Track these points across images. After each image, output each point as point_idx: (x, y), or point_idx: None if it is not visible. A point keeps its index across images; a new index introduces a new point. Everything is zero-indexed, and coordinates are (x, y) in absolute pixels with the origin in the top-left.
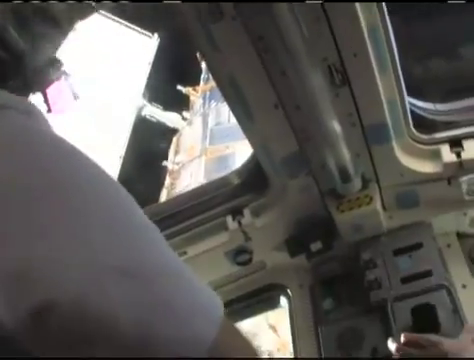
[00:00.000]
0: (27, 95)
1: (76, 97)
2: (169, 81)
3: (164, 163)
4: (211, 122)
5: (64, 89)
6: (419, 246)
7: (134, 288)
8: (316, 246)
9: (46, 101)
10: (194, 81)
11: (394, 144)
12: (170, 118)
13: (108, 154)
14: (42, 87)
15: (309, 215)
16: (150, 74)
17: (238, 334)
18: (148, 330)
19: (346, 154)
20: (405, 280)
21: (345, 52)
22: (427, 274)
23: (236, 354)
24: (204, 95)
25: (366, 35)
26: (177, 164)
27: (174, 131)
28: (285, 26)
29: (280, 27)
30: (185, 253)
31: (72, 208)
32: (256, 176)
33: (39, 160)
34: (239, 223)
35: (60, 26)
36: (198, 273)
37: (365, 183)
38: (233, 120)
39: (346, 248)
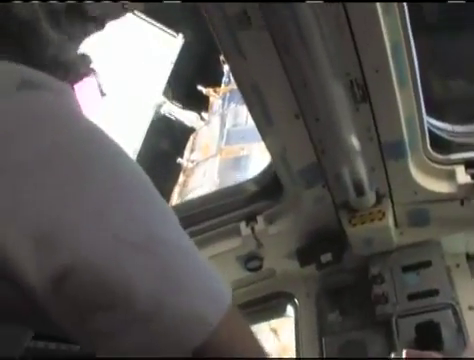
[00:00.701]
0: None
1: (103, 94)
2: (190, 81)
3: (178, 160)
4: (228, 123)
5: (92, 86)
6: (428, 264)
7: (150, 262)
8: (326, 257)
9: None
10: (215, 82)
11: (409, 161)
12: (188, 117)
13: (124, 146)
14: (71, 82)
15: (321, 226)
16: (172, 72)
17: (243, 325)
18: (159, 302)
19: (362, 168)
20: (412, 297)
21: (367, 67)
22: (434, 293)
23: (238, 343)
24: (224, 96)
25: (389, 51)
26: (192, 162)
27: (191, 130)
28: (310, 39)
29: (305, 39)
30: None
31: (100, 180)
32: (272, 184)
33: (71, 134)
34: (252, 229)
35: (92, 24)
36: None
37: (379, 198)
38: (250, 122)
39: (355, 261)
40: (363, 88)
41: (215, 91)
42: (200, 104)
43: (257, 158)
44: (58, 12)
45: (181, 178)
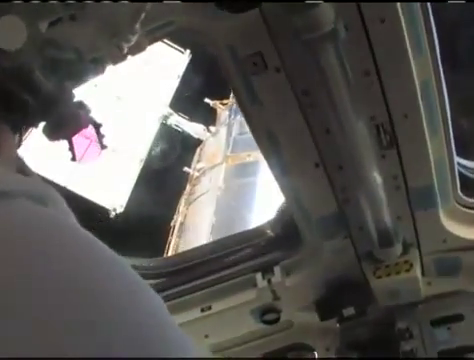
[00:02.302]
0: (54, 141)
1: (104, 147)
2: (197, 93)
3: (185, 169)
4: (235, 132)
5: (91, 137)
6: (460, 318)
7: None
8: (348, 312)
9: (71, 149)
10: (222, 95)
11: (439, 209)
12: (195, 129)
13: (129, 155)
14: (68, 134)
15: (342, 277)
16: (179, 85)
17: None
18: None
19: (388, 218)
20: (443, 354)
21: (395, 112)
22: (467, 350)
23: None
24: (230, 107)
25: (419, 93)
26: (198, 171)
27: (198, 142)
28: (333, 81)
29: (328, 81)
30: (209, 308)
31: (84, 311)
32: (289, 232)
33: (54, 252)
34: (269, 281)
35: (90, 69)
36: (222, 329)
37: (405, 248)
38: None
39: (380, 312)
40: (390, 133)
41: (222, 103)
42: (207, 116)
43: (265, 164)
44: (54, 58)
45: (187, 187)
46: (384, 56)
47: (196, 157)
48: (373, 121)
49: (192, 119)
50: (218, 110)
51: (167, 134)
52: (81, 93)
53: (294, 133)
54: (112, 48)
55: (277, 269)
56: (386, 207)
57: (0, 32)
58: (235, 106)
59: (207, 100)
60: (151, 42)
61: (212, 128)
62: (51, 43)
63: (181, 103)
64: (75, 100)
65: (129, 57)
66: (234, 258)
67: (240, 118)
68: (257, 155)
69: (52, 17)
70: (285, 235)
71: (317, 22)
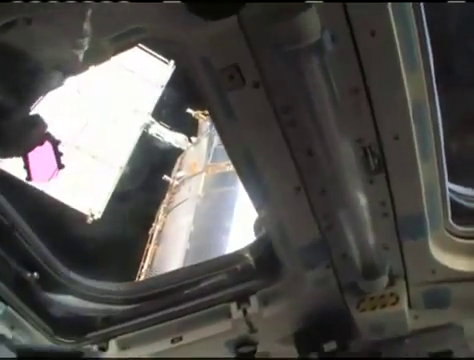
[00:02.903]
0: (5, 158)
1: (61, 167)
2: (179, 104)
3: (164, 177)
4: (216, 142)
5: (48, 155)
6: (448, 353)
7: None
8: (330, 346)
9: (27, 167)
10: (204, 105)
11: (429, 238)
12: (176, 138)
13: (108, 163)
14: (22, 151)
15: (323, 309)
16: (162, 95)
17: None
18: None
19: (373, 247)
20: None
21: (385, 133)
22: None
23: None
24: None
25: (411, 114)
26: (178, 179)
27: (179, 151)
28: (318, 96)
29: (311, 97)
30: (180, 339)
31: None
32: (267, 259)
33: None
34: (244, 312)
35: (49, 80)
36: None
37: (391, 279)
38: None
39: (363, 347)
40: (379, 157)
41: (204, 114)
42: (189, 127)
43: None
44: (7, 64)
45: (167, 196)
46: (374, 72)
47: (177, 166)
48: (360, 143)
49: (174, 129)
50: (200, 120)
51: (148, 143)
52: (62, 98)
53: (273, 154)
54: (70, 56)
55: (254, 299)
56: (372, 235)
57: None
58: None
59: (189, 110)
60: (118, 50)
61: (193, 138)
62: (3, 50)
63: (163, 112)
64: (31, 113)
65: (92, 67)
66: (208, 285)
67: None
68: None
69: (5, 18)
70: (263, 262)
71: (302, 32)
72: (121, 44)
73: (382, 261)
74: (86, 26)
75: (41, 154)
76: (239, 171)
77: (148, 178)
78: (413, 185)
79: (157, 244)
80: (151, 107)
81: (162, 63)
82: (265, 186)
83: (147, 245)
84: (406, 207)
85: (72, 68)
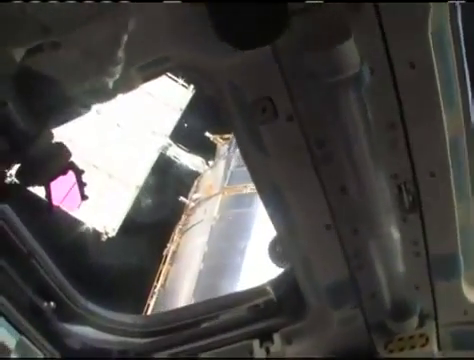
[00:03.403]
0: (29, 187)
1: (85, 198)
2: (198, 127)
3: (181, 198)
4: (233, 165)
5: (70, 185)
6: None
7: None
8: None
9: (48, 196)
10: (222, 130)
11: (462, 278)
12: (193, 161)
13: (125, 182)
14: (45, 180)
15: (349, 349)
16: (181, 118)
17: None
18: None
19: (404, 287)
20: None
21: (421, 170)
22: None
23: None
24: (231, 141)
25: (448, 151)
26: (194, 201)
27: (196, 174)
28: (354, 131)
29: (347, 131)
30: None
31: None
32: (292, 296)
33: None
34: (267, 350)
35: (75, 109)
36: None
37: (421, 320)
38: None
39: None
40: (414, 194)
41: (222, 138)
42: (206, 150)
43: None
44: (31, 93)
45: (183, 217)
46: (412, 106)
47: (193, 188)
48: (395, 180)
49: (191, 152)
50: (218, 144)
51: (165, 164)
52: (82, 118)
53: (304, 190)
54: (99, 83)
55: (277, 337)
56: (403, 275)
57: None
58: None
59: (207, 134)
60: (146, 79)
61: (211, 162)
62: (29, 74)
63: (181, 135)
64: (54, 141)
65: (120, 95)
66: (229, 321)
67: (239, 152)
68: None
69: (30, 43)
70: (288, 299)
71: (341, 63)
72: (149, 73)
73: (413, 301)
74: (119, 54)
75: (64, 183)
76: (267, 204)
77: (164, 199)
78: (448, 224)
79: (171, 264)
80: (169, 129)
81: (182, 87)
82: (293, 221)
83: (161, 266)
84: (440, 247)
85: (100, 96)
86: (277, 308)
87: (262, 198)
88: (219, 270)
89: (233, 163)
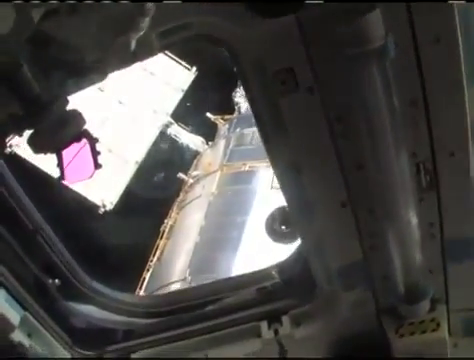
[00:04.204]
0: (40, 153)
1: (99, 166)
2: (199, 107)
3: (179, 175)
4: (232, 144)
5: (84, 154)
6: None
7: None
8: None
9: (60, 165)
10: (223, 111)
11: None
12: (194, 140)
13: (124, 158)
14: (57, 147)
15: (358, 333)
16: (183, 97)
17: None
18: None
19: (418, 270)
20: None
21: (440, 149)
22: None
23: None
24: (231, 122)
25: (469, 129)
26: (193, 177)
27: (196, 154)
28: (375, 106)
29: (368, 106)
30: (206, 357)
31: None
32: (302, 278)
33: None
34: (276, 332)
35: (91, 75)
36: None
37: (432, 304)
38: (254, 142)
39: None
40: (431, 174)
41: (223, 119)
42: (208, 131)
43: (261, 172)
44: (47, 57)
45: (181, 195)
46: (435, 83)
47: (193, 167)
48: (414, 158)
49: (192, 132)
50: (219, 125)
51: (166, 143)
52: (84, 94)
53: (321, 165)
54: (118, 47)
55: (286, 319)
56: (417, 257)
57: None
58: (235, 121)
59: (209, 115)
60: (164, 47)
61: (211, 143)
62: (46, 37)
63: (182, 115)
64: (69, 108)
65: (137, 62)
66: (237, 302)
67: (239, 131)
68: (253, 164)
69: (48, 5)
70: (297, 281)
71: (367, 34)
72: (168, 40)
73: (425, 285)
74: (144, 20)
75: (76, 152)
76: (282, 182)
77: (164, 177)
78: (465, 206)
79: (168, 239)
80: (170, 109)
81: (184, 69)
82: (309, 200)
83: (158, 241)
84: (455, 229)
85: (116, 62)
86: (286, 290)
87: (278, 175)
88: (216, 243)
89: (233, 142)
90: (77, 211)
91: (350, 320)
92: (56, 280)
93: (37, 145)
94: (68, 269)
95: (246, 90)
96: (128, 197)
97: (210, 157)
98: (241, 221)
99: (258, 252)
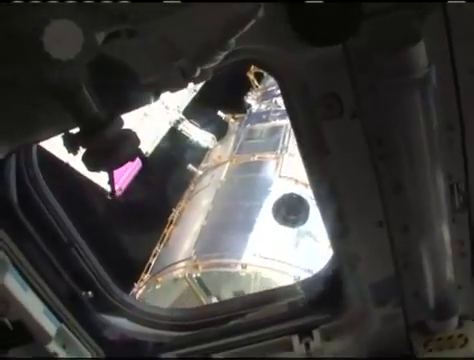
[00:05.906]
0: (93, 171)
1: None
2: (211, 105)
3: (189, 166)
4: (242, 137)
5: (131, 171)
6: None
7: None
8: None
9: (111, 182)
10: (235, 109)
11: None
12: (204, 137)
13: None
14: (113, 165)
15: (387, 348)
16: (196, 95)
17: None
18: None
19: (448, 287)
20: None
21: (473, 171)
22: None
23: None
24: (242, 120)
25: None
26: (203, 169)
27: (206, 150)
28: (415, 130)
29: (408, 130)
30: None
31: None
32: (333, 293)
33: None
34: (307, 346)
35: (145, 94)
36: None
37: (460, 320)
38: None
39: None
40: (464, 195)
41: (234, 117)
42: (218, 129)
43: (270, 164)
44: (104, 79)
45: (191, 187)
46: (470, 110)
47: (203, 162)
48: (448, 179)
49: (203, 128)
50: (230, 123)
51: (177, 138)
52: None
53: (360, 187)
54: (173, 72)
55: (316, 333)
56: (448, 275)
57: (52, 37)
58: (246, 118)
59: (220, 113)
60: (216, 70)
61: (221, 140)
62: (105, 60)
63: (194, 113)
64: (124, 128)
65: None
66: (267, 316)
67: (249, 126)
68: (262, 156)
69: (110, 28)
70: (328, 296)
71: (412, 64)
72: (221, 64)
73: (454, 301)
74: (218, 51)
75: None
76: (321, 203)
77: (174, 172)
78: None
79: (175, 225)
80: (182, 106)
81: None
82: (345, 218)
83: (165, 230)
84: None
85: (170, 86)
86: (316, 305)
87: (317, 197)
88: (222, 226)
89: (243, 136)
90: (89, 196)
91: (379, 335)
92: (89, 292)
93: (92, 163)
94: (100, 282)
95: (288, 109)
96: (137, 187)
97: (220, 151)
98: (249, 206)
99: (265, 235)
